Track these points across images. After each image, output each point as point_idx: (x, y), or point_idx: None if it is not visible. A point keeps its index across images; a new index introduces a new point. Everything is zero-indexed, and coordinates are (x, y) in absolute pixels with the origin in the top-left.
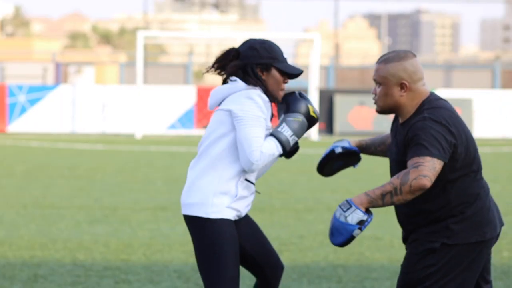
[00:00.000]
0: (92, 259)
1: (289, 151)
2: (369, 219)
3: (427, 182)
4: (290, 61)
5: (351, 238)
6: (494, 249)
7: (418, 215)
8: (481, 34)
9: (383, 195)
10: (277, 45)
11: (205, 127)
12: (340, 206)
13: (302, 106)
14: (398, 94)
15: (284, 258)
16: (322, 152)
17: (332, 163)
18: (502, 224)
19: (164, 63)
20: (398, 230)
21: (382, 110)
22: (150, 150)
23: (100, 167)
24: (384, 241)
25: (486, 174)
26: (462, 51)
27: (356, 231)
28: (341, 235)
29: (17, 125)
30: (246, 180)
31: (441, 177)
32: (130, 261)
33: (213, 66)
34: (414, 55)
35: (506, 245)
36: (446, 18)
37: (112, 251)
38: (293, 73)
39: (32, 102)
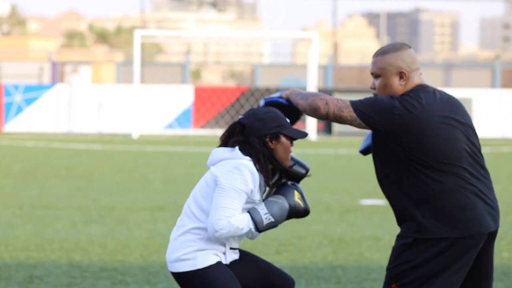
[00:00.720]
0: (88, 260)
1: (263, 230)
2: (278, 99)
3: (323, 108)
4: (288, 60)
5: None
6: (494, 250)
7: (396, 208)
8: (480, 32)
9: (301, 94)
10: (279, 112)
11: (202, 127)
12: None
13: (288, 191)
14: (398, 84)
15: (283, 258)
16: (320, 152)
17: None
18: (496, 225)
19: (161, 62)
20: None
21: None
22: (147, 150)
23: (97, 167)
24: (384, 242)
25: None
26: (462, 50)
27: (261, 102)
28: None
29: (13, 125)
30: (232, 248)
31: (394, 164)
32: (127, 262)
33: (220, 141)
34: (410, 46)
35: (506, 246)
36: (445, 17)
37: (109, 252)
38: (301, 137)
39: (28, 101)
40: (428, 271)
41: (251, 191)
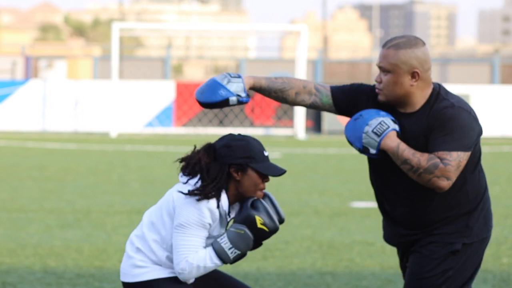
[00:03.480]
0: (64, 266)
1: (232, 262)
2: (245, 99)
3: (447, 186)
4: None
5: (225, 101)
6: (493, 255)
7: (433, 212)
8: (479, 25)
9: (399, 154)
10: (257, 142)
11: (184, 125)
12: (229, 73)
13: (248, 218)
14: (409, 83)
15: (269, 265)
16: (309, 152)
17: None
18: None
19: (140, 57)
20: None
21: (387, 100)
22: (125, 149)
23: (72, 168)
24: (376, 247)
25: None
26: (459, 44)
27: (233, 98)
28: (212, 94)
29: None
30: None
31: (463, 169)
32: (104, 268)
33: (188, 166)
34: (424, 43)
35: (506, 251)
36: (441, 9)
37: (85, 258)
38: (273, 175)
39: (0, 98)
40: (468, 275)
41: (210, 225)
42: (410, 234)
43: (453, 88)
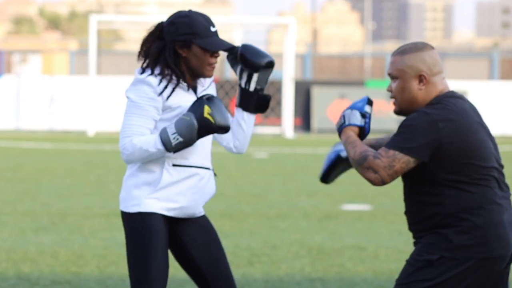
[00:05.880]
0: (38, 272)
1: (174, 150)
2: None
3: (376, 180)
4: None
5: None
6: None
7: (416, 220)
8: (477, 18)
9: (353, 146)
10: (204, 17)
11: None
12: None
13: (198, 107)
14: (417, 88)
15: (255, 270)
16: (298, 151)
17: (335, 169)
18: None
19: (120, 51)
20: (383, 239)
21: (400, 109)
22: (104, 149)
23: (48, 168)
24: (368, 252)
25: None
26: (456, 38)
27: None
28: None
29: None
30: (175, 165)
31: (434, 178)
32: (81, 274)
33: (140, 52)
34: (433, 47)
35: None
36: (437, 0)
37: (61, 263)
38: (214, 49)
39: None
40: None
41: (155, 100)
42: (414, 242)
43: (449, 84)
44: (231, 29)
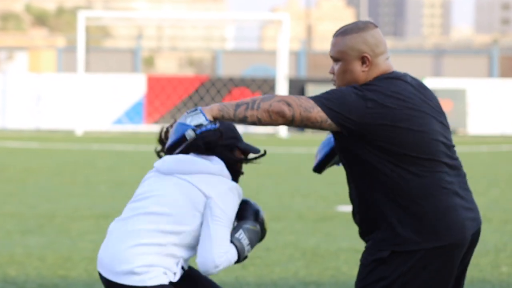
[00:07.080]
0: (25, 275)
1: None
2: (209, 126)
3: (288, 112)
4: (255, 45)
5: (183, 138)
6: (491, 264)
7: (362, 215)
8: (476, 14)
9: (238, 105)
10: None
11: (156, 122)
12: (187, 111)
13: (259, 215)
14: (359, 70)
15: (248, 274)
16: (292, 151)
17: (331, 160)
18: (478, 224)
19: (108, 48)
20: None
21: None
22: (92, 148)
23: (35, 169)
24: None
25: (482, 175)
26: (454, 34)
27: (189, 132)
28: (174, 135)
29: None
30: (183, 267)
31: (374, 168)
32: (69, 277)
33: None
34: (376, 26)
35: (505, 259)
36: None
37: (48, 266)
38: (255, 152)
39: None
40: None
41: None
42: (364, 240)
43: (448, 82)
44: (223, 25)
